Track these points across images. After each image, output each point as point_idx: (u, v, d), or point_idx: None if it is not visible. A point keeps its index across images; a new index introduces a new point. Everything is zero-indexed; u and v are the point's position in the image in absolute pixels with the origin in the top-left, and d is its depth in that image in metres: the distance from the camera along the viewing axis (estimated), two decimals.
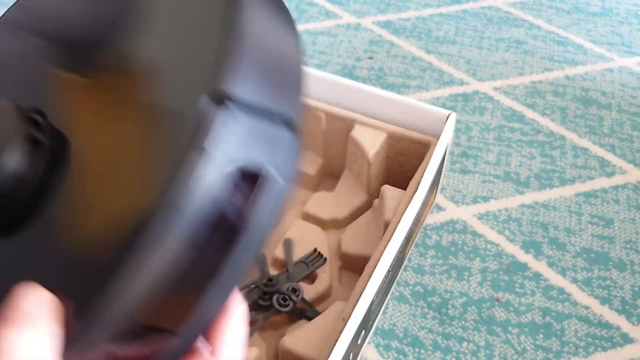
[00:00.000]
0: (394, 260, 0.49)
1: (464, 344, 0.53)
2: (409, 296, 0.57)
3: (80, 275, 0.23)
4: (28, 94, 0.29)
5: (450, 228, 0.63)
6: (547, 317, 0.56)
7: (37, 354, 0.21)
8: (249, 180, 0.24)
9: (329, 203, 0.61)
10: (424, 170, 0.54)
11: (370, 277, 0.45)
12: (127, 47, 0.28)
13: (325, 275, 0.55)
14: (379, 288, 0.46)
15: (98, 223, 0.24)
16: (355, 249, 0.56)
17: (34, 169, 0.25)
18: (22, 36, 0.31)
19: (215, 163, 0.23)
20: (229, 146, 0.23)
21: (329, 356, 0.40)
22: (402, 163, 0.61)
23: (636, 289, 0.58)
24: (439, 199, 0.66)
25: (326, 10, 0.95)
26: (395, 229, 0.49)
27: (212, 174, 0.22)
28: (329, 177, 0.66)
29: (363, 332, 0.47)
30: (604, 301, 0.57)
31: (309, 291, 0.54)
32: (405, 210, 0.50)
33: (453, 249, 0.61)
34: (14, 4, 0.34)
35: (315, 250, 0.57)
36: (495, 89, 0.81)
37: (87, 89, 0.27)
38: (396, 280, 0.57)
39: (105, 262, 0.22)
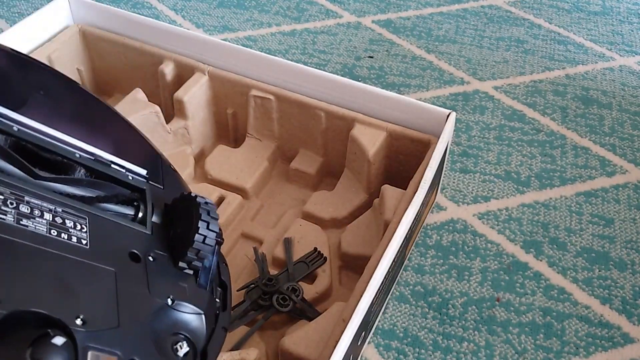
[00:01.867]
0: (394, 260, 0.49)
1: (465, 344, 0.53)
2: (409, 296, 0.57)
3: None
4: None
5: (450, 228, 0.63)
6: (548, 317, 0.55)
7: None
8: None
9: (329, 202, 0.61)
10: (424, 169, 0.54)
11: (370, 277, 0.45)
12: None
13: (325, 275, 0.55)
14: (379, 288, 0.46)
15: None
16: (355, 249, 0.56)
17: None
18: None
19: None
20: None
21: (329, 357, 0.40)
22: (402, 162, 0.61)
23: (637, 288, 0.58)
24: (439, 198, 0.66)
25: (326, 9, 0.95)
26: (395, 229, 0.49)
27: None
28: (328, 176, 0.66)
29: (363, 333, 0.47)
30: (604, 301, 0.57)
31: (309, 291, 0.54)
32: (405, 210, 0.50)
33: (453, 248, 0.61)
34: None
35: (315, 249, 0.57)
36: (496, 88, 0.81)
37: None
38: (396, 280, 0.57)
39: None
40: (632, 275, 0.59)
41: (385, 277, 0.47)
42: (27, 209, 0.34)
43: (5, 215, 0.33)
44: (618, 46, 0.89)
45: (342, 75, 0.63)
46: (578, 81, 0.83)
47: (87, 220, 0.36)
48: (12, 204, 0.33)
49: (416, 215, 0.52)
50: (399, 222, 0.49)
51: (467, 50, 0.88)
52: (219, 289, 0.43)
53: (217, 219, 0.40)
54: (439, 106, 0.58)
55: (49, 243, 0.33)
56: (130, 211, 0.40)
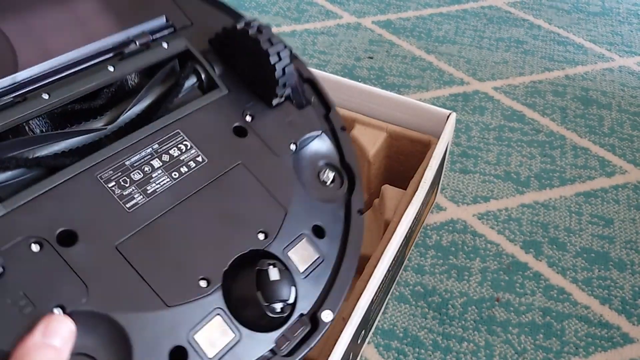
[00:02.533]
0: (394, 260, 0.49)
1: (464, 344, 0.53)
2: (409, 296, 0.57)
3: None
4: None
5: (450, 228, 0.63)
6: (547, 317, 0.56)
7: None
8: None
9: None
10: (424, 169, 0.54)
11: (370, 277, 0.45)
12: None
13: None
14: (379, 288, 0.46)
15: None
16: None
17: None
18: None
19: None
20: None
21: (329, 356, 0.40)
22: (402, 162, 0.61)
23: (636, 288, 0.58)
24: (439, 198, 0.66)
25: (326, 10, 0.95)
26: (395, 229, 0.49)
27: None
28: None
29: (363, 332, 0.47)
30: (604, 301, 0.57)
31: None
32: (405, 210, 0.50)
33: (453, 248, 0.61)
34: None
35: None
36: (495, 88, 0.81)
37: None
38: (396, 280, 0.57)
39: None
40: (632, 276, 0.59)
41: (385, 276, 0.47)
42: (139, 174, 0.30)
43: (133, 196, 0.29)
44: (617, 47, 0.90)
45: (342, 76, 0.64)
46: (578, 82, 0.83)
47: (183, 135, 0.32)
48: (125, 181, 0.30)
49: (416, 215, 0.52)
50: (399, 222, 0.49)
51: (467, 50, 0.88)
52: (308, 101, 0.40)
53: (280, 41, 0.36)
54: (439, 107, 0.58)
55: (184, 188, 0.30)
56: (192, 80, 0.36)
